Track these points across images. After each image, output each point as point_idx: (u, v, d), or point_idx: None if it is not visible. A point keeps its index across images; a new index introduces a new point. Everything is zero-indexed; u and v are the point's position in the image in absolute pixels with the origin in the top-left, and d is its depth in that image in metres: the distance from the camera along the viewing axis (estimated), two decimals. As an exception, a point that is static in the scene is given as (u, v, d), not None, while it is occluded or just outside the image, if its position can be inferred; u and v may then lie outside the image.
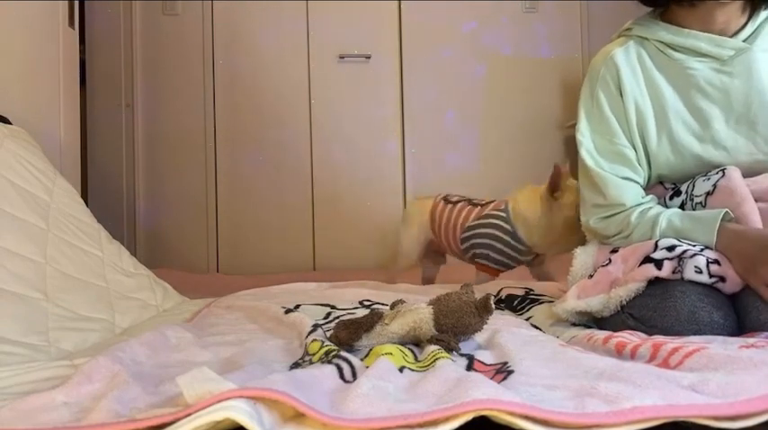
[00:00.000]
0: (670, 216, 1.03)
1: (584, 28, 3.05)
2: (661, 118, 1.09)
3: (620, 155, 1.10)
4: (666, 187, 1.14)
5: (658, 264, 0.95)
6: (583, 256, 1.15)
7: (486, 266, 1.66)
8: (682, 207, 1.09)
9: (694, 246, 0.97)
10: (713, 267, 0.93)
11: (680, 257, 0.94)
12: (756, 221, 0.97)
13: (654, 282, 0.97)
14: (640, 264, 0.98)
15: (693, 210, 1.06)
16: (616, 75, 1.11)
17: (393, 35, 2.98)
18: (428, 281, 1.92)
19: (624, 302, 0.98)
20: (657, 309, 0.94)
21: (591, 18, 3.05)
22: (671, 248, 0.96)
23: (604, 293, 1.01)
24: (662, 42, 1.09)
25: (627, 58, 1.12)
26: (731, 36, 1.06)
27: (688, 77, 1.07)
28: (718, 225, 0.96)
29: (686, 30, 1.07)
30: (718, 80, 1.06)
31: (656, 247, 0.98)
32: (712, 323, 0.91)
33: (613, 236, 1.11)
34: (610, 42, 1.19)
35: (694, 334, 0.90)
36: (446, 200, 1.80)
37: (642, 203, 1.09)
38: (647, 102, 1.10)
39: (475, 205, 1.73)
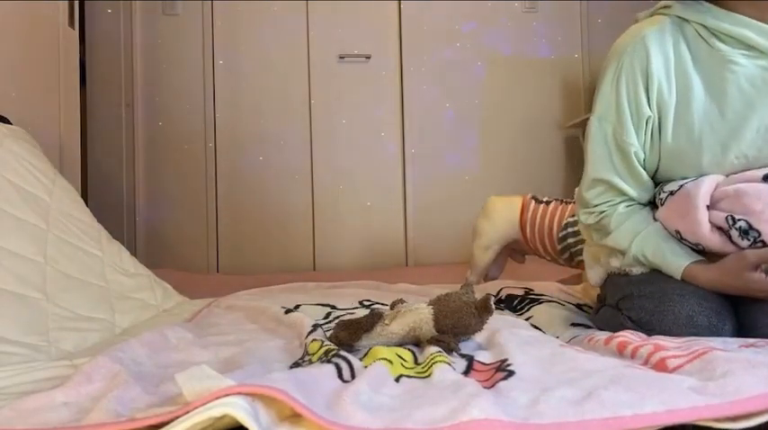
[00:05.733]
0: (645, 238, 0.99)
1: (584, 28, 3.05)
2: (683, 115, 0.96)
3: (624, 152, 1.00)
4: None
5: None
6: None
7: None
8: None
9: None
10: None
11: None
12: (704, 233, 0.93)
13: (652, 284, 0.98)
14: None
15: (658, 205, 1.02)
16: (645, 61, 0.96)
17: (393, 35, 2.98)
18: (492, 278, 1.82)
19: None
20: (655, 313, 0.94)
21: (591, 18, 3.04)
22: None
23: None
24: (705, 27, 0.95)
25: (661, 44, 0.97)
26: None
27: (729, 74, 0.93)
28: (681, 272, 0.95)
29: (737, 15, 0.92)
30: (761, 79, 0.92)
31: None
32: (710, 327, 0.90)
33: (596, 222, 1.05)
34: (638, 21, 1.04)
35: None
36: (535, 199, 1.72)
37: (634, 202, 1.04)
38: (672, 96, 0.97)
39: (567, 203, 1.65)
